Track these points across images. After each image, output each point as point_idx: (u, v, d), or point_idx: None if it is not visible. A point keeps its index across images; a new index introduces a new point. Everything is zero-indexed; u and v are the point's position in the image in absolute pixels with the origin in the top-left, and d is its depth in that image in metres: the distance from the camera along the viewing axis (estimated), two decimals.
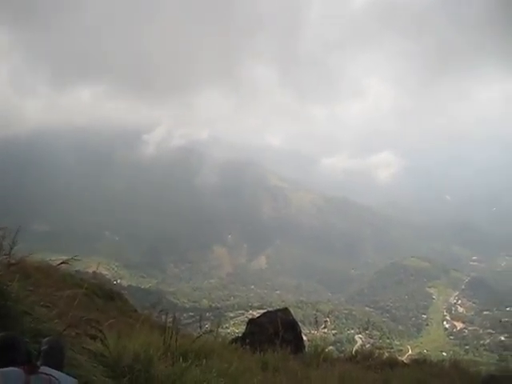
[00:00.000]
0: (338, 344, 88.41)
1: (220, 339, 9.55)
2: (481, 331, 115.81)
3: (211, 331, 9.09)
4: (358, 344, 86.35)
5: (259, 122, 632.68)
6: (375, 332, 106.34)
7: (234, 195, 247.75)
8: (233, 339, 11.70)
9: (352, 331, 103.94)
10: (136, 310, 18.86)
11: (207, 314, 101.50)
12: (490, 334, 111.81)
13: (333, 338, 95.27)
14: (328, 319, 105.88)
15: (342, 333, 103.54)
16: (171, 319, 6.88)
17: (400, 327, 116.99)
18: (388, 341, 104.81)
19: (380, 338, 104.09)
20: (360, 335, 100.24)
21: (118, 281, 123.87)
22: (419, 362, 12.04)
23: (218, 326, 10.81)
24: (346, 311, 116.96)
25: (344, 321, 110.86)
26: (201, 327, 10.01)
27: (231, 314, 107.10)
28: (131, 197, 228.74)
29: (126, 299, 22.58)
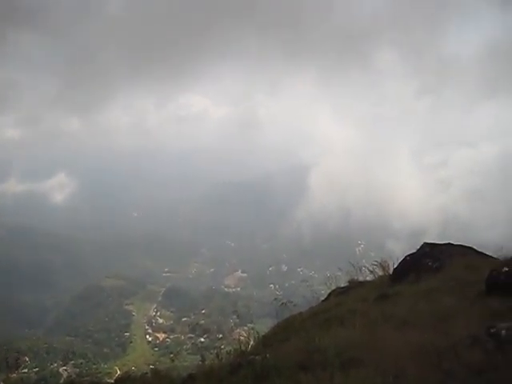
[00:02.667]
0: (43, 382, 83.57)
1: None
2: (182, 337, 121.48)
3: None
4: (64, 377, 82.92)
5: None
6: (80, 360, 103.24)
7: None
8: None
9: (55, 365, 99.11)
10: None
11: None
12: (191, 338, 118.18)
13: (35, 377, 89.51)
14: (27, 358, 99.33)
15: (44, 369, 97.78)
16: None
17: (105, 350, 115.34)
18: (95, 366, 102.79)
19: (86, 366, 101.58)
20: (65, 367, 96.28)
21: None
22: (123, 380, 12.03)
23: None
24: (45, 345, 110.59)
25: (45, 355, 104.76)
26: None
27: None
28: None
29: None
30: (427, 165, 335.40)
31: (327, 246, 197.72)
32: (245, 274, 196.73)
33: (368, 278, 15.20)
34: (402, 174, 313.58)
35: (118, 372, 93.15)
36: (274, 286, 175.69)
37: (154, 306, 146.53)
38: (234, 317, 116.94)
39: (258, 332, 11.96)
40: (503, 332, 6.02)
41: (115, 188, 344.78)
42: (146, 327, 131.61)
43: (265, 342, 10.99)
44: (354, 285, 14.66)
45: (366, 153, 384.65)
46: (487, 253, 13.91)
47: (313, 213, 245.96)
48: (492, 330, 6.16)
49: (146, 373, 11.58)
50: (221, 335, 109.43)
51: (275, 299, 13.07)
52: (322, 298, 14.98)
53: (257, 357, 7.87)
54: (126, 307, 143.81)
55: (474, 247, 14.71)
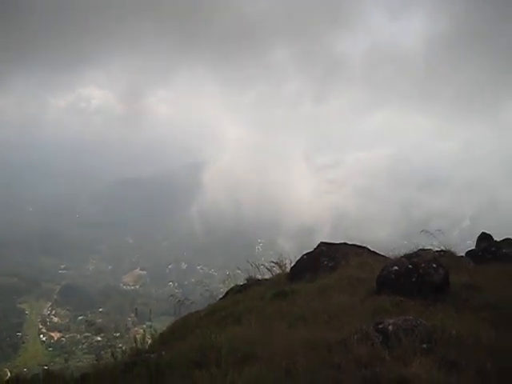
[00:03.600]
0: None
1: None
2: (78, 336, 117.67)
3: None
4: None
5: None
6: None
7: None
8: None
9: None
10: None
11: None
12: (87, 337, 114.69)
13: None
14: None
15: None
16: None
17: None
18: None
19: None
20: None
21: None
22: (12, 383, 11.57)
23: None
24: None
25: None
26: None
27: None
28: None
29: None
30: (320, 166, 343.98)
31: (228, 245, 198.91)
32: (144, 272, 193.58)
33: (266, 277, 15.44)
34: (296, 174, 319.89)
35: (8, 374, 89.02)
36: (174, 284, 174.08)
37: (49, 304, 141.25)
38: (132, 315, 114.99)
39: (155, 330, 11.87)
40: (390, 327, 6.33)
41: (9, 181, 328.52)
42: (40, 326, 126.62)
43: (162, 340, 10.93)
44: (252, 283, 14.85)
45: (261, 152, 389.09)
46: (379, 252, 14.53)
47: (211, 211, 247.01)
48: (380, 326, 6.46)
49: (38, 374, 11.15)
50: (118, 334, 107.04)
51: (171, 296, 13.00)
52: (221, 296, 15.05)
53: (152, 355, 7.80)
54: (19, 306, 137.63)
55: (368, 247, 15.33)
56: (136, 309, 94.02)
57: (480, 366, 5.42)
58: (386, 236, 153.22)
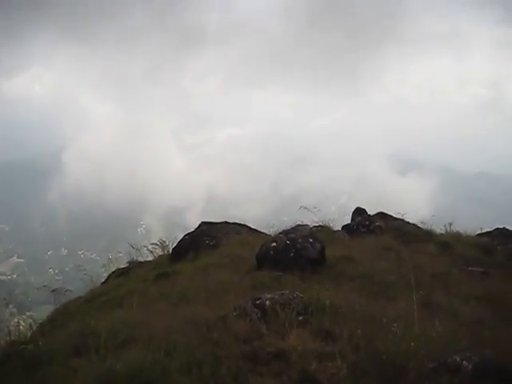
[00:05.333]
0: None
1: None
2: None
3: None
4: None
5: None
6: None
7: None
8: None
9: None
10: None
11: None
12: None
13: None
14: None
15: None
16: None
17: None
18: None
19: None
20: None
21: None
22: None
23: None
24: None
25: None
26: None
27: None
28: None
29: None
30: (192, 144, 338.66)
31: (109, 228, 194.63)
32: (21, 260, 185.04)
33: (149, 259, 15.37)
34: (166, 153, 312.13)
35: None
36: (54, 271, 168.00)
37: None
38: (11, 306, 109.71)
39: (34, 320, 11.46)
40: (267, 302, 6.53)
41: None
42: None
43: (41, 330, 10.58)
44: (134, 266, 14.73)
45: (128, 131, 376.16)
46: (259, 229, 14.87)
47: (80, 194, 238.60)
48: (258, 302, 6.65)
49: None
50: None
51: (44, 286, 12.65)
52: (103, 281, 14.81)
53: (28, 346, 7.53)
54: None
55: (250, 225, 15.63)
56: (14, 299, 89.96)
57: (351, 332, 5.74)
58: (261, 213, 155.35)
